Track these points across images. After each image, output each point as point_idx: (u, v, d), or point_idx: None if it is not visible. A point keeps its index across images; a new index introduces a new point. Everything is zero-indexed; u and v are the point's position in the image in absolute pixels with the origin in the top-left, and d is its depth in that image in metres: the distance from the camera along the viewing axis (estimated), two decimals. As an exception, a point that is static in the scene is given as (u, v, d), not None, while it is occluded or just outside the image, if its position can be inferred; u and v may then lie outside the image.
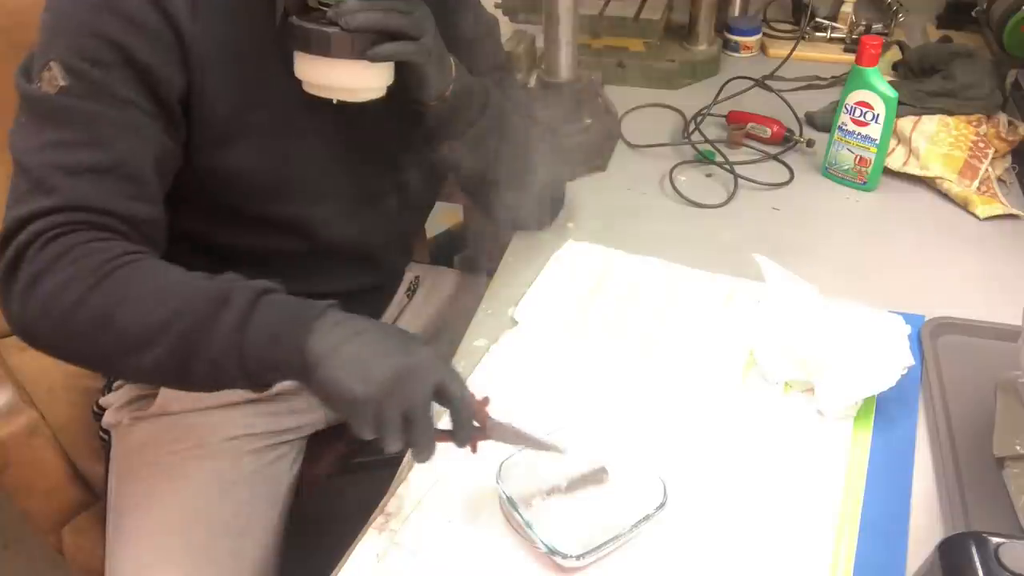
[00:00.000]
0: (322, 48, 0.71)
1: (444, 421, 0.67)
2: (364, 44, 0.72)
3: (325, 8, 0.71)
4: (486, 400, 0.70)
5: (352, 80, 0.74)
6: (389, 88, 0.77)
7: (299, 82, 0.76)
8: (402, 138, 0.91)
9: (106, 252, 0.68)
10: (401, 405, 0.63)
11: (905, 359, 0.80)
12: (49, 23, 0.72)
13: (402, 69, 0.78)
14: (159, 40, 0.72)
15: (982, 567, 0.52)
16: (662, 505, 0.71)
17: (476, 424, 0.68)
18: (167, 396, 0.95)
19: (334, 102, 0.76)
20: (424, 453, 0.66)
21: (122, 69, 0.71)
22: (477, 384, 0.68)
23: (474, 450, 0.70)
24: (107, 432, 1.00)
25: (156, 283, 0.67)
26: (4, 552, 1.64)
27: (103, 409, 1.00)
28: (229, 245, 0.86)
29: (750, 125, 1.22)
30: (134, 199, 0.72)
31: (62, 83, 0.69)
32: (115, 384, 1.00)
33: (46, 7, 0.72)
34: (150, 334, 0.65)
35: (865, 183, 1.13)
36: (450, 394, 0.66)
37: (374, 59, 0.73)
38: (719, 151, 1.19)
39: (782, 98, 1.25)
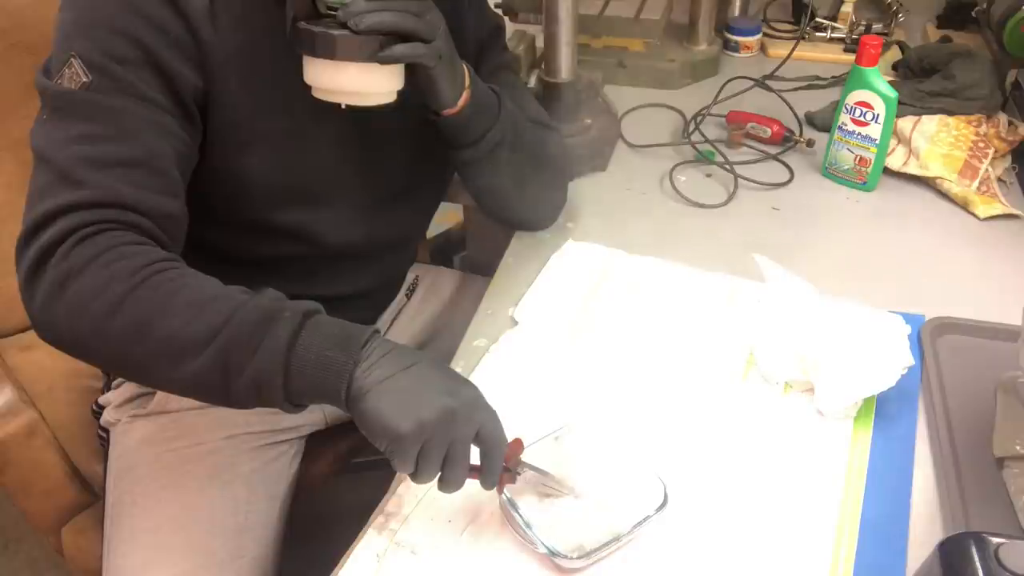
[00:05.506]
0: (328, 50, 0.70)
1: (474, 456, 0.67)
2: (372, 46, 0.71)
3: (333, 13, 0.70)
4: (518, 442, 0.70)
5: (360, 83, 0.73)
6: (400, 95, 0.76)
7: (310, 88, 0.75)
8: (413, 146, 0.91)
9: (142, 257, 0.67)
10: (443, 446, 0.63)
11: (905, 359, 0.80)
12: (69, 20, 0.71)
13: (412, 76, 0.77)
14: (180, 45, 0.72)
15: (982, 567, 0.52)
16: (662, 506, 0.71)
17: (505, 465, 0.68)
18: (166, 394, 0.95)
19: (343, 107, 0.75)
20: (453, 487, 0.67)
21: (144, 68, 0.71)
22: (477, 384, 0.68)
23: (500, 492, 0.70)
24: (106, 430, 1.00)
25: (196, 293, 0.66)
26: (4, 552, 1.64)
27: (102, 407, 1.00)
28: (232, 249, 0.86)
29: (750, 125, 1.22)
30: (162, 194, 0.71)
31: (85, 79, 0.69)
32: (114, 383, 1.00)
33: (64, 6, 0.72)
34: (191, 345, 0.64)
35: (865, 183, 1.13)
36: (487, 437, 0.66)
37: (384, 61, 0.71)
38: (719, 151, 1.19)
39: (782, 98, 1.25)
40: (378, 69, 0.72)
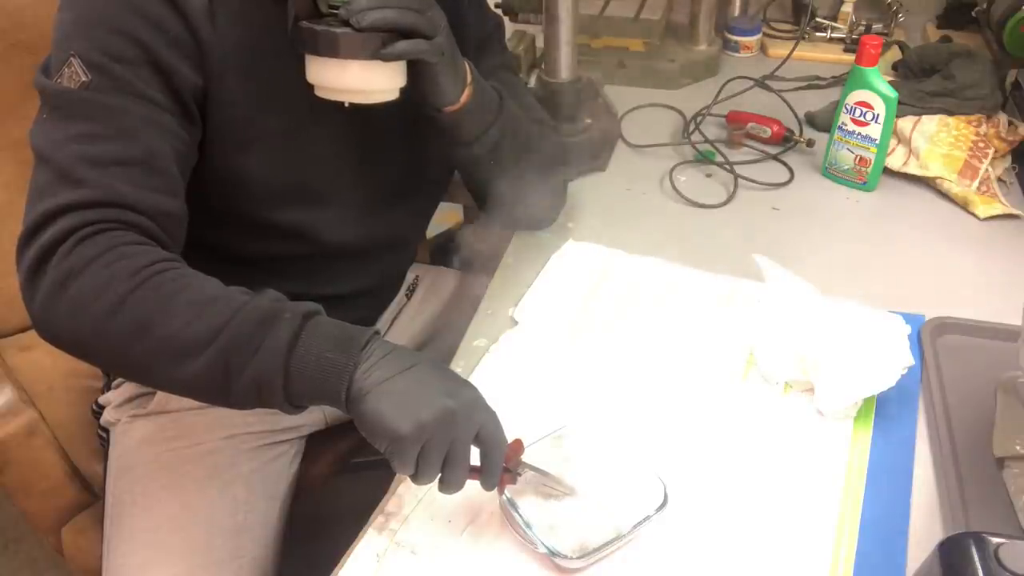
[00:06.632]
0: (331, 49, 0.70)
1: (474, 457, 0.67)
2: (374, 44, 0.70)
3: (335, 11, 0.70)
4: (518, 443, 0.70)
5: (363, 81, 0.73)
6: (402, 92, 0.76)
7: (311, 87, 0.75)
8: (413, 146, 0.91)
9: (143, 257, 0.67)
10: (443, 447, 0.63)
11: (905, 359, 0.80)
12: (69, 20, 0.71)
13: (414, 73, 0.77)
14: (179, 44, 0.72)
15: (982, 567, 0.52)
16: (662, 506, 0.71)
17: (505, 466, 0.68)
18: (166, 394, 0.95)
19: (346, 105, 0.75)
20: (453, 488, 0.67)
21: (143, 67, 0.71)
22: (477, 384, 0.68)
23: (500, 492, 0.70)
24: (106, 430, 1.00)
25: (197, 294, 0.66)
26: (4, 552, 1.64)
27: (102, 407, 1.00)
28: (232, 248, 0.86)
29: (750, 125, 1.22)
30: (162, 193, 0.71)
31: (84, 78, 0.69)
32: (114, 383, 1.00)
33: (63, 5, 0.72)
34: (191, 346, 0.64)
35: (865, 183, 1.13)
36: (487, 438, 0.66)
37: (386, 58, 0.71)
38: (719, 151, 1.19)
39: (782, 98, 1.25)
40: (381, 66, 0.72)
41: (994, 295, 0.95)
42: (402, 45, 0.72)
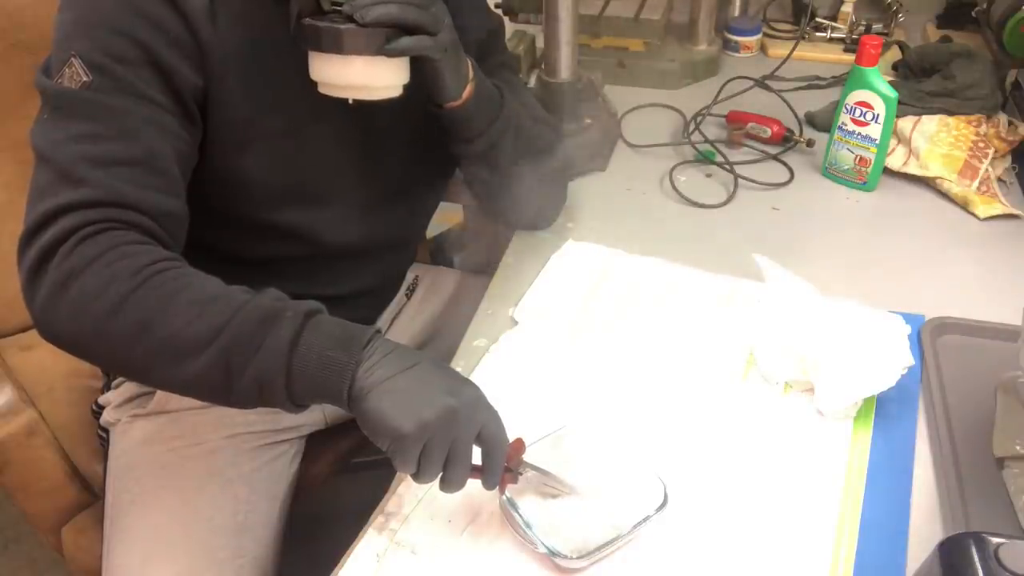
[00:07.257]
0: (335, 45, 0.70)
1: (475, 456, 0.67)
2: (378, 39, 0.71)
3: (338, 8, 0.70)
4: (520, 442, 0.70)
5: (367, 77, 0.73)
6: (404, 90, 0.76)
7: (313, 87, 0.75)
8: (413, 146, 0.91)
9: (144, 256, 0.67)
10: (445, 446, 0.64)
11: (905, 359, 0.80)
12: (69, 20, 0.71)
13: (417, 69, 0.77)
14: (179, 44, 0.72)
15: (982, 567, 0.52)
16: (662, 506, 0.71)
17: (507, 466, 0.68)
18: (165, 393, 0.95)
19: (350, 102, 0.75)
20: (454, 487, 0.67)
21: (144, 68, 0.71)
22: (477, 384, 0.68)
23: (501, 492, 0.70)
24: (106, 430, 1.00)
25: (198, 293, 0.66)
26: (4, 552, 1.64)
27: (102, 407, 1.00)
28: (232, 248, 0.86)
29: (750, 125, 1.22)
30: (163, 193, 0.71)
31: (85, 78, 0.69)
32: (114, 383, 1.00)
33: (64, 6, 0.72)
34: (193, 345, 0.64)
35: (865, 183, 1.13)
36: (488, 437, 0.66)
37: (390, 54, 0.71)
38: (719, 151, 1.19)
39: (782, 98, 1.25)
40: (384, 62, 0.73)
41: (994, 295, 0.95)
42: (406, 41, 0.72)
